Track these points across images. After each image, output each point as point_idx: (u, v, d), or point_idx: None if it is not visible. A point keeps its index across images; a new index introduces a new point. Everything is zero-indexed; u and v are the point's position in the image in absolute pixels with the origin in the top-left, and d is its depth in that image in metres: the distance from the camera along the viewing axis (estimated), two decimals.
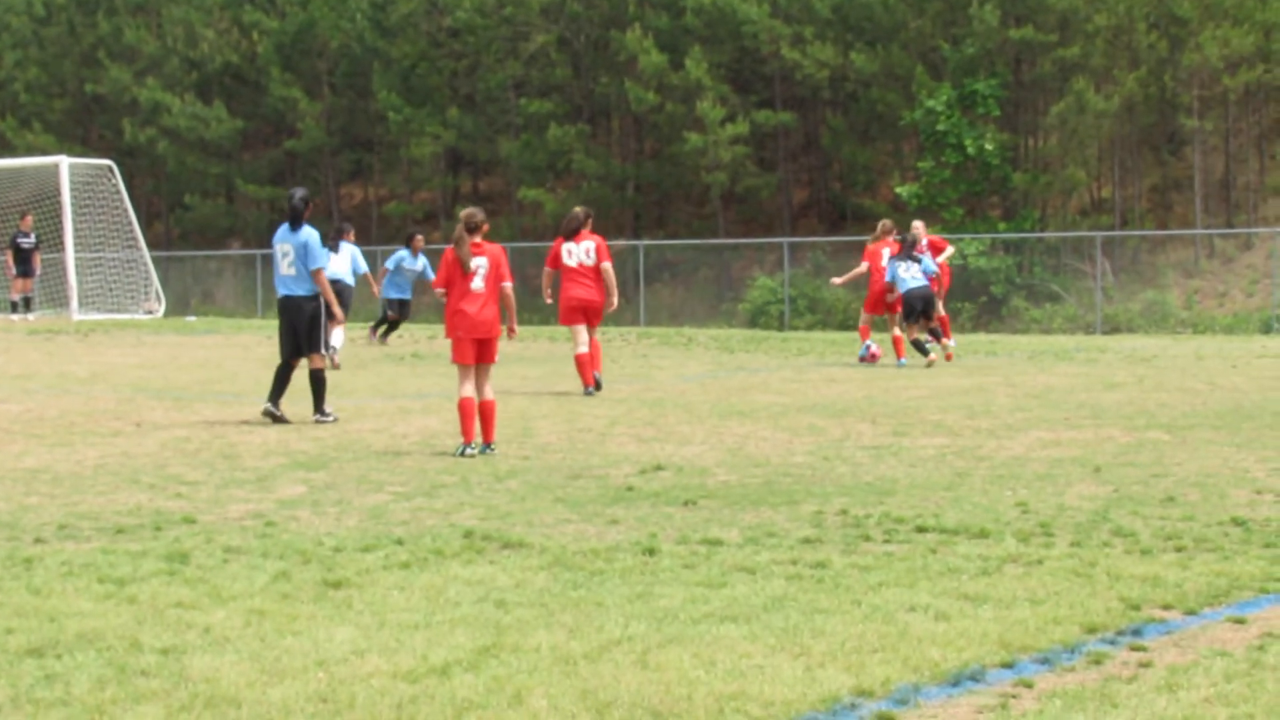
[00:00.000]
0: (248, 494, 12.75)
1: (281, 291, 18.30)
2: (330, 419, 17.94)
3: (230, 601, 8.73)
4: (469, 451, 15.08)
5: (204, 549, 10.22)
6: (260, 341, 33.52)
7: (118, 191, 45.94)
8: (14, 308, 43.00)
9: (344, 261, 28.25)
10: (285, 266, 18.21)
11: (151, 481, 13.41)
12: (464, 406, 15.34)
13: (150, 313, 45.60)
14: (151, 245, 48.58)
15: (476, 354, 15.55)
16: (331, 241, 28.21)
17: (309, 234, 18.20)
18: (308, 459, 14.80)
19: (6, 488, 13.12)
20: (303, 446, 15.75)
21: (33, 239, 43.00)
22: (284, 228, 18.34)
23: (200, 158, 61.86)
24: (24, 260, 42.83)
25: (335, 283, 27.64)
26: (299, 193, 18.52)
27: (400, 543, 10.41)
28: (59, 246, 44.27)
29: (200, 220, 62.82)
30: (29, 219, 43.34)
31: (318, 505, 12.16)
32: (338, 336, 27.96)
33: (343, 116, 61.23)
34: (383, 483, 13.31)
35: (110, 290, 46.35)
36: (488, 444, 15.28)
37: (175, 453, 15.30)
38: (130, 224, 46.21)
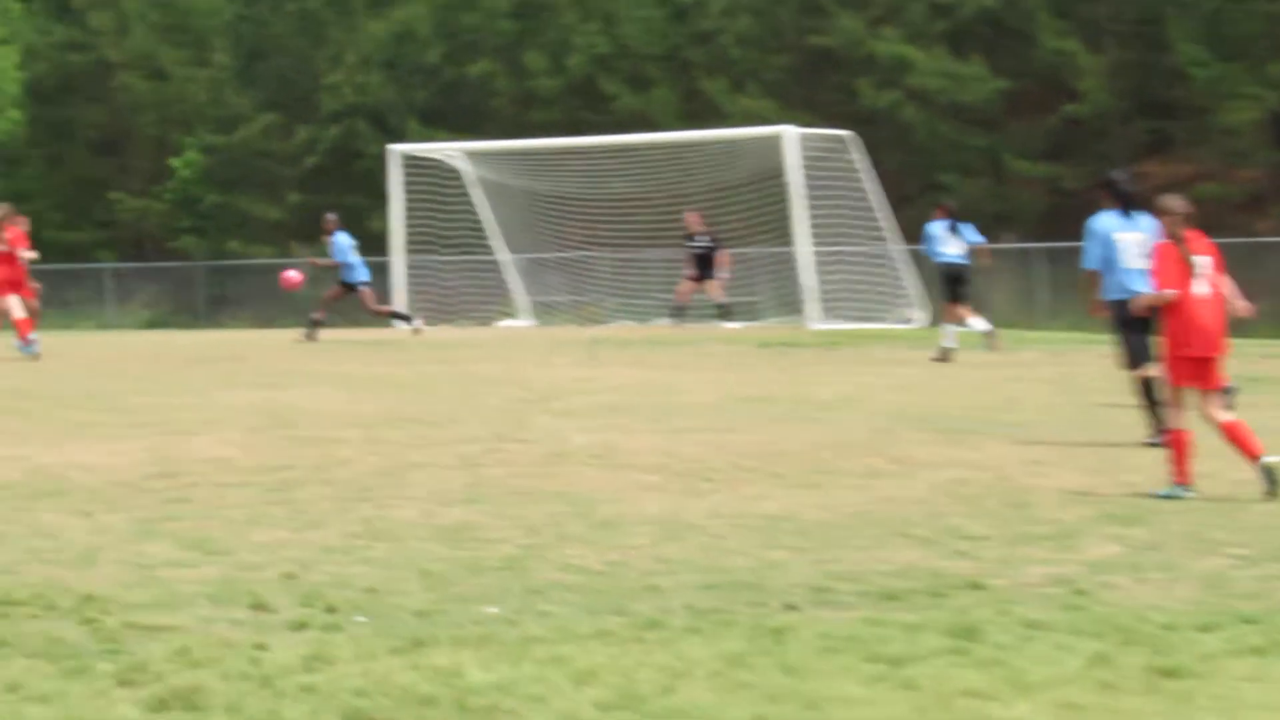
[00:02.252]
0: (1047, 553, 12.78)
1: (1133, 289, 18.47)
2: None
3: (1035, 691, 8.71)
4: (1186, 495, 15.15)
5: (997, 622, 10.23)
6: (1043, 360, 33.53)
7: (856, 170, 46.51)
8: (679, 312, 44.90)
9: (957, 242, 33.58)
10: (1137, 260, 18.59)
11: (924, 535, 13.57)
12: (1178, 440, 15.40)
13: (907, 321, 45.90)
14: (903, 234, 48.66)
15: (1198, 374, 15.51)
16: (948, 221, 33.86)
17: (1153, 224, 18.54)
18: (1120, 510, 14.74)
19: (744, 538, 13.48)
20: (1110, 493, 15.73)
21: (706, 240, 44.58)
22: (1113, 214, 19.07)
23: (956, 126, 62.14)
24: (700, 264, 44.53)
25: (954, 264, 34.14)
26: (1124, 174, 19.40)
27: (1249, 621, 10.21)
28: (785, 239, 45.39)
29: (962, 204, 63.00)
30: (693, 217, 44.89)
31: (1138, 569, 12.09)
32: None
33: (1133, 74, 60.49)
34: (1219, 542, 13.13)
35: (854, 293, 46.84)
36: (1259, 458, 15.18)
37: (950, 498, 15.49)
38: (873, 210, 46.79)
